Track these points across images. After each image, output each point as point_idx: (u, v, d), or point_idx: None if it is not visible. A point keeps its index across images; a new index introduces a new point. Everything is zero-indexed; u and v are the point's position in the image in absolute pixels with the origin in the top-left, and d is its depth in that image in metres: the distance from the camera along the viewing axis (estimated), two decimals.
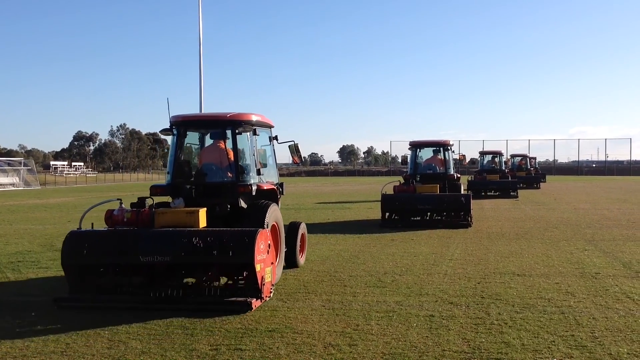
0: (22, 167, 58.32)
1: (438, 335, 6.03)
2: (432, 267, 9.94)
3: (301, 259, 10.09)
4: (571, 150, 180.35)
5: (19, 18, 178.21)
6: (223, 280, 7.84)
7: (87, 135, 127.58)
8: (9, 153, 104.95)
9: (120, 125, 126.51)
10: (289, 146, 10.23)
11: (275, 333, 6.20)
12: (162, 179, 67.22)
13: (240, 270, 7.37)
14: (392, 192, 17.15)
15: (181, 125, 9.11)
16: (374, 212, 20.59)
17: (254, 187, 8.68)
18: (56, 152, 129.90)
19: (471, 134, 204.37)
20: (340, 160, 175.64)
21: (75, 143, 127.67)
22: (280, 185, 9.91)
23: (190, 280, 8.03)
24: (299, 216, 18.81)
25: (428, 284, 8.51)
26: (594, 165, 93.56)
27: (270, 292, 7.64)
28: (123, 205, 8.11)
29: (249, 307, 7.05)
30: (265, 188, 9.00)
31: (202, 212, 7.96)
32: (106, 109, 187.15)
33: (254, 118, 9.10)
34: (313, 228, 15.19)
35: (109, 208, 8.13)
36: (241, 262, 7.20)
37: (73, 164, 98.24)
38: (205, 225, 7.98)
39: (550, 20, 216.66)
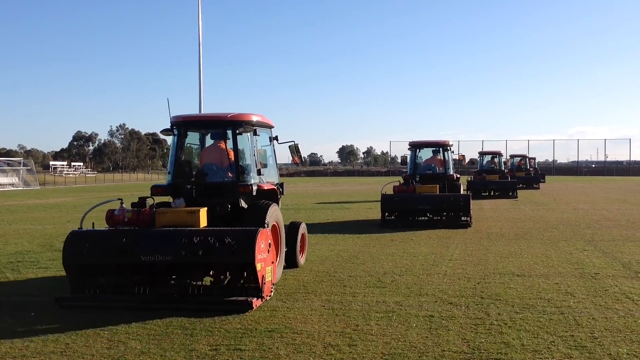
0: (22, 167, 58.29)
1: (438, 336, 6.04)
2: (432, 267, 9.94)
3: (301, 259, 10.10)
4: (570, 151, 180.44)
5: (19, 18, 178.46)
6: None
7: (87, 135, 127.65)
8: (8, 153, 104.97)
9: (120, 126, 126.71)
10: (289, 146, 10.25)
11: (274, 333, 6.20)
12: (161, 179, 67.22)
13: (241, 270, 7.39)
14: (392, 193, 17.16)
15: (182, 125, 9.13)
16: (374, 212, 20.60)
17: (255, 187, 8.69)
18: (55, 152, 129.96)
19: (470, 134, 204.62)
20: (339, 161, 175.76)
21: (75, 143, 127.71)
22: (281, 185, 9.93)
23: (191, 280, 8.03)
24: (298, 216, 18.81)
25: (427, 284, 8.51)
26: (593, 166, 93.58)
27: (271, 292, 7.65)
28: (124, 205, 8.12)
29: (249, 306, 7.07)
30: (265, 188, 9.02)
31: (203, 212, 7.98)
32: (106, 109, 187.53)
33: (255, 118, 9.11)
34: (313, 228, 15.18)
35: (110, 208, 8.14)
36: (242, 261, 7.21)
37: (72, 164, 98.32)
38: (206, 225, 8.00)
39: (549, 20, 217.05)
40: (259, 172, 9.02)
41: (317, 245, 12.65)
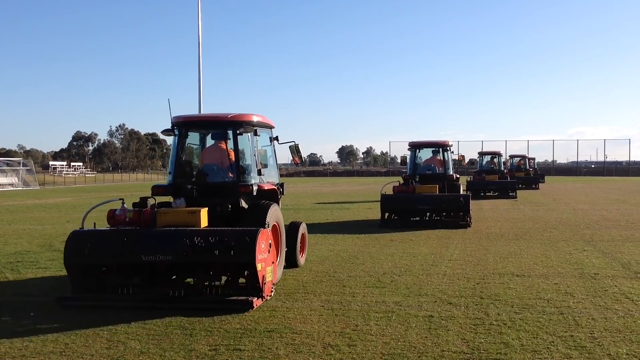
0: (21, 167, 58.28)
1: (437, 336, 6.04)
2: (431, 267, 9.95)
3: (301, 259, 10.12)
4: (570, 151, 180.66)
5: (19, 18, 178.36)
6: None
7: (86, 135, 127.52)
8: (7, 153, 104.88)
9: (119, 126, 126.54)
10: (290, 147, 10.27)
11: (274, 333, 6.21)
12: (161, 179, 67.24)
13: (242, 270, 7.40)
14: (392, 193, 17.18)
15: (183, 125, 9.14)
16: (373, 213, 20.61)
17: (255, 187, 8.71)
18: (55, 152, 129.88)
19: (470, 135, 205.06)
20: (339, 161, 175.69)
21: (74, 143, 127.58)
22: (281, 185, 9.95)
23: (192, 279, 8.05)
24: (298, 216, 18.82)
25: (427, 285, 8.52)
26: (592, 166, 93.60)
27: (271, 292, 7.67)
28: (125, 205, 8.13)
29: (250, 306, 7.09)
30: (266, 188, 9.04)
31: (204, 212, 8.00)
32: (105, 109, 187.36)
33: (255, 119, 9.13)
34: (312, 228, 15.18)
35: (111, 208, 8.15)
36: (242, 261, 7.23)
37: (72, 164, 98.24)
38: (206, 224, 8.02)
39: (549, 20, 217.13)
40: (259, 172, 9.04)
41: (316, 245, 12.66)
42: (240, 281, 7.57)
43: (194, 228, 7.62)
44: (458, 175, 20.20)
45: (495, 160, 36.72)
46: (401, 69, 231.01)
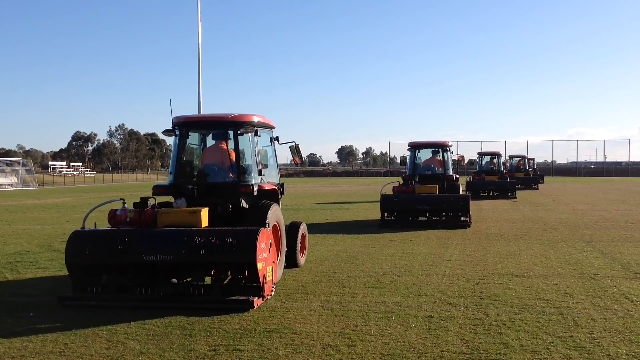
0: (21, 167, 58.28)
1: (437, 336, 6.05)
2: (431, 267, 9.96)
3: (301, 259, 10.13)
4: (569, 151, 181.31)
5: (19, 18, 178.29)
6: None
7: (86, 135, 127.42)
8: (7, 153, 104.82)
9: (119, 126, 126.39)
10: (290, 147, 10.29)
11: (273, 333, 6.22)
12: (160, 179, 67.28)
13: (242, 269, 7.42)
14: (391, 193, 17.19)
15: (184, 126, 9.15)
16: (373, 213, 20.62)
17: (256, 188, 8.72)
18: (54, 152, 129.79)
19: (470, 135, 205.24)
20: (338, 161, 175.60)
21: (74, 143, 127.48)
22: (281, 185, 9.96)
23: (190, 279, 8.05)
24: (297, 216, 18.82)
25: (427, 285, 8.52)
26: (592, 167, 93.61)
27: (272, 291, 7.69)
28: (126, 205, 8.14)
29: (251, 305, 7.11)
30: (266, 188, 9.06)
31: (204, 212, 8.01)
32: (105, 109, 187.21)
33: (256, 119, 9.14)
34: (312, 228, 15.18)
35: (112, 208, 8.16)
36: (243, 261, 7.25)
37: (71, 164, 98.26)
38: (207, 224, 8.04)
39: (549, 20, 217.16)
40: (259, 173, 9.05)
41: (316, 245, 12.66)
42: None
43: (194, 228, 7.64)
44: (457, 176, 20.22)
45: (495, 160, 36.75)
46: (401, 69, 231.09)
